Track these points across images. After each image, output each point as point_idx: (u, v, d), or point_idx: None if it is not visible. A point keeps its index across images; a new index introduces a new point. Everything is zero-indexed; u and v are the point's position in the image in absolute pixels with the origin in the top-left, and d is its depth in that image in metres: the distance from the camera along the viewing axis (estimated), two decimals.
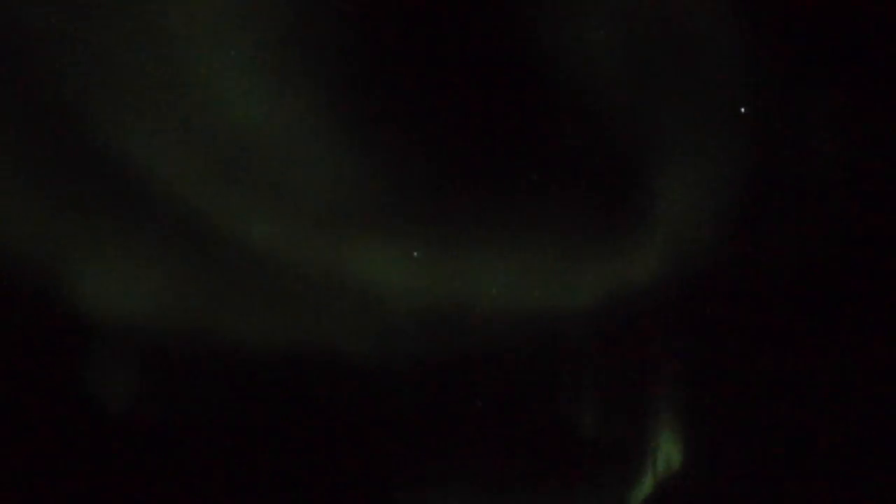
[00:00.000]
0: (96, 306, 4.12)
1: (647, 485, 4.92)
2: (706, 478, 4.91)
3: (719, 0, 4.40)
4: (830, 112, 4.51)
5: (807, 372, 4.74)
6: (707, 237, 4.59)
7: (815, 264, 4.60)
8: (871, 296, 4.57)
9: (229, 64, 4.15)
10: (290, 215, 4.31)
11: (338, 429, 4.45)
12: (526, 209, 4.47)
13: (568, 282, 4.53)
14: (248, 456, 4.38)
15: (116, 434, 4.25)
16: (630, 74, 4.46)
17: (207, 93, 4.18)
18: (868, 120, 4.45)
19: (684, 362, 4.78)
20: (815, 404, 4.78)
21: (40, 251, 4.04)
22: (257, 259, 4.25)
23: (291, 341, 4.30)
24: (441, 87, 4.38)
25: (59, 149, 4.01)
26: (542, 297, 4.52)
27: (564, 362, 4.66)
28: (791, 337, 4.73)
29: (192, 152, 4.19)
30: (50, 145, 4.02)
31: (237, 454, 4.37)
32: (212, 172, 4.22)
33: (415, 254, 4.32)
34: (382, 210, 4.38)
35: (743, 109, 4.51)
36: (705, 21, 4.42)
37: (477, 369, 4.54)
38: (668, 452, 4.90)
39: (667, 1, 4.38)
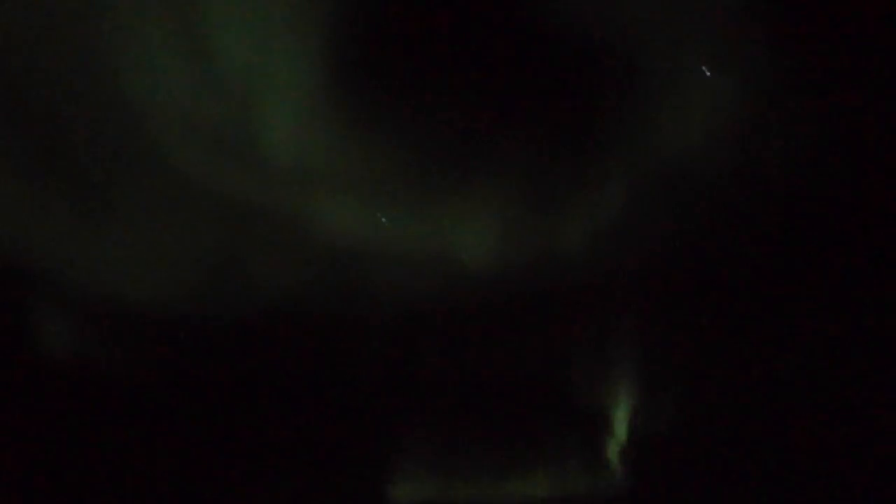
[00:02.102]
0: (77, 274, 4.32)
1: (622, 439, 5.03)
2: (682, 432, 5.00)
3: None
4: (794, 74, 4.53)
5: (777, 328, 4.81)
6: (672, 193, 4.66)
7: (777, 222, 4.65)
8: (831, 251, 4.63)
9: (216, 29, 4.26)
10: (270, 177, 4.45)
11: (304, 381, 4.61)
12: (493, 176, 4.55)
13: (532, 244, 4.64)
14: (216, 409, 4.55)
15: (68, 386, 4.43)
16: (596, 35, 4.49)
17: (197, 57, 4.31)
18: (830, 81, 4.47)
19: (654, 317, 4.86)
20: (784, 358, 4.86)
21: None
22: (236, 212, 4.41)
23: (265, 292, 4.48)
24: (415, 60, 4.45)
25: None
26: (508, 260, 4.63)
27: (533, 319, 4.77)
28: (758, 294, 4.80)
29: (181, 116, 4.34)
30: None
31: (206, 409, 4.54)
32: (198, 135, 4.36)
33: (383, 219, 4.45)
34: (354, 178, 4.50)
35: (708, 72, 4.54)
36: None
37: (445, 328, 4.67)
38: (642, 406, 5.00)
39: None
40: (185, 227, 4.50)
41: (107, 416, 4.64)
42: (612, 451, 5.04)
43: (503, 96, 4.46)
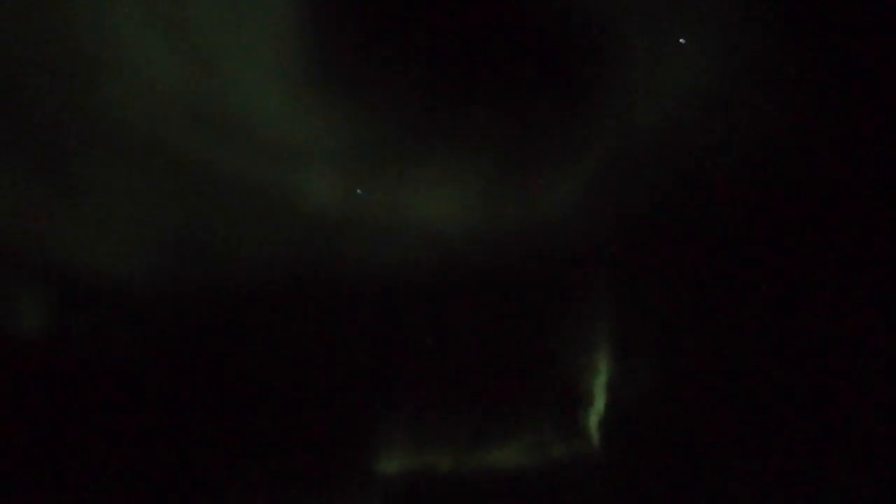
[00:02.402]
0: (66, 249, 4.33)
1: (601, 408, 5.10)
2: (660, 401, 5.06)
3: None
4: (774, 45, 4.55)
5: (758, 296, 4.86)
6: (651, 161, 4.69)
7: (756, 189, 4.69)
8: (810, 217, 4.68)
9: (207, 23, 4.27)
10: (259, 153, 4.48)
11: (284, 354, 4.64)
12: (469, 145, 4.58)
13: (509, 213, 4.68)
14: (195, 385, 4.58)
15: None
16: (572, 4, 4.49)
17: (173, 30, 4.31)
18: (811, 51, 4.50)
19: (633, 286, 4.90)
20: (761, 327, 4.92)
21: None
22: (213, 186, 4.43)
23: (243, 265, 4.52)
24: (392, 30, 4.45)
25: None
26: (485, 228, 4.67)
27: (511, 288, 4.81)
28: (738, 261, 4.84)
29: (158, 89, 4.34)
30: None
31: (184, 385, 4.57)
32: (175, 108, 4.37)
33: (358, 191, 4.48)
34: (331, 149, 4.52)
35: (683, 40, 4.56)
36: None
37: (424, 298, 4.71)
38: (621, 374, 5.06)
39: None
40: (161, 201, 4.51)
41: (81, 397, 4.64)
42: (591, 419, 5.11)
43: (479, 65, 4.46)
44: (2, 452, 4.49)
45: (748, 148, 4.59)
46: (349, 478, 4.94)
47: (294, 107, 4.46)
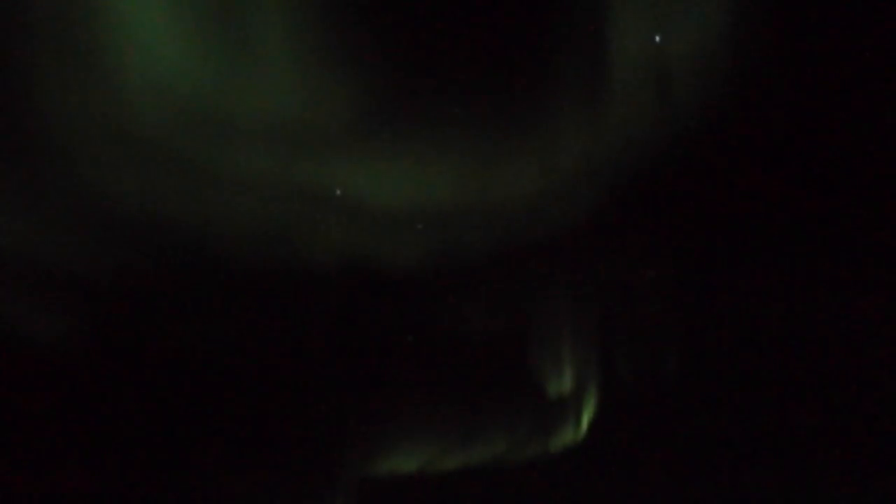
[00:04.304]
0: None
1: (591, 401, 5.09)
2: (652, 392, 5.02)
3: None
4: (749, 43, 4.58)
5: (748, 291, 4.84)
6: (613, 167, 4.72)
7: (736, 180, 4.70)
8: (783, 204, 4.67)
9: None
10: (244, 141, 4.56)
11: (264, 354, 4.68)
12: (444, 135, 4.63)
13: (485, 202, 4.73)
14: (172, 382, 4.62)
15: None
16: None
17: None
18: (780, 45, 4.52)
19: (614, 277, 4.90)
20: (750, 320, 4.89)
21: None
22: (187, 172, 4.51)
23: (218, 255, 4.60)
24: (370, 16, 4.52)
25: None
26: (461, 219, 4.72)
27: (490, 280, 4.83)
28: (724, 251, 4.83)
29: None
30: None
31: (160, 381, 4.61)
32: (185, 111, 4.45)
33: (337, 192, 4.55)
34: (306, 134, 4.60)
35: (658, 38, 4.60)
36: None
37: (400, 293, 4.74)
38: (602, 372, 5.04)
39: None
40: (151, 197, 4.58)
41: (46, 389, 4.69)
42: (581, 413, 5.10)
43: (458, 55, 4.52)
44: None
45: (731, 138, 4.61)
46: (331, 479, 4.95)
47: (276, 93, 4.54)
